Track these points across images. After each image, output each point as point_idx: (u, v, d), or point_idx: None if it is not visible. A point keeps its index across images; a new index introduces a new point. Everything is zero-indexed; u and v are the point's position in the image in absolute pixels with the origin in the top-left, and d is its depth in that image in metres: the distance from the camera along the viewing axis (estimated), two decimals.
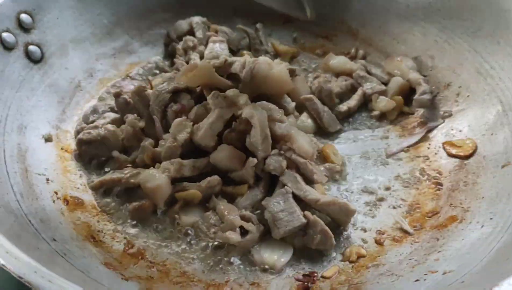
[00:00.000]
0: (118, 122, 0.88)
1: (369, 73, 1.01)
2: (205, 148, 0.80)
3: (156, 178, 0.76)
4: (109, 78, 1.00)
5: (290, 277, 0.72)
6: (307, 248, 0.75)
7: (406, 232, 0.78)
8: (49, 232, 0.69)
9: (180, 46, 1.02)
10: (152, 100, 0.86)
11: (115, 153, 0.84)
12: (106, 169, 0.85)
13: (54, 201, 0.77)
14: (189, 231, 0.77)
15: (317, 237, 0.73)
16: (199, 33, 1.03)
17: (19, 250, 0.56)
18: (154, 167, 0.79)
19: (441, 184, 0.84)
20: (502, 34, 0.89)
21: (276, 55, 1.09)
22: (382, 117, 0.97)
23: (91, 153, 0.85)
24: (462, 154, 0.86)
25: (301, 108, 0.94)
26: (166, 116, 0.85)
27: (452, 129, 0.91)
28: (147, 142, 0.83)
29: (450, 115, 0.93)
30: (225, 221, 0.74)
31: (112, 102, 0.92)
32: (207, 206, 0.79)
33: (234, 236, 0.72)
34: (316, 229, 0.73)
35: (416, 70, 0.99)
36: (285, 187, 0.77)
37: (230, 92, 0.80)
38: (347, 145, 0.93)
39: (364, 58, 1.07)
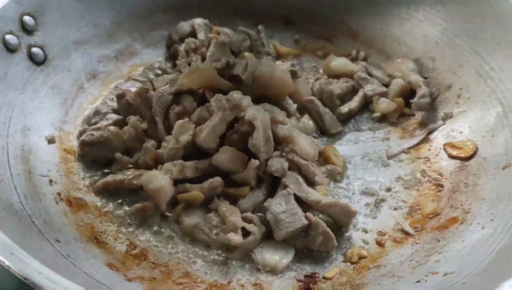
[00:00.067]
0: (121, 124, 0.88)
1: (370, 75, 1.01)
2: (207, 150, 0.80)
3: (159, 179, 0.77)
4: (111, 80, 1.00)
5: (291, 278, 0.73)
6: (309, 249, 0.75)
7: (407, 233, 0.78)
8: (53, 233, 0.69)
9: (182, 48, 1.02)
10: (155, 101, 0.86)
11: (118, 155, 0.84)
12: (109, 171, 0.85)
13: (57, 203, 0.77)
14: (191, 232, 0.77)
15: (319, 238, 0.73)
16: (201, 35, 1.04)
17: (24, 251, 0.56)
18: (156, 169, 0.80)
19: (442, 186, 0.85)
20: (503, 36, 0.89)
21: (277, 56, 1.09)
22: (383, 118, 0.97)
23: (93, 155, 0.86)
24: (462, 155, 0.87)
25: (302, 109, 0.95)
26: (168, 118, 0.85)
27: (452, 131, 0.91)
28: (150, 143, 0.83)
29: (451, 117, 0.93)
30: (227, 222, 0.75)
31: (114, 103, 0.93)
32: (209, 207, 0.79)
33: (236, 238, 0.73)
34: (318, 230, 0.73)
35: (417, 72, 0.99)
36: (287, 188, 0.77)
37: (233, 95, 0.80)
38: (348, 147, 0.93)
39: (365, 59, 1.07)
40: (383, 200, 0.84)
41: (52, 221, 0.72)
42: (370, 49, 1.08)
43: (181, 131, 0.81)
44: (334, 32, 1.11)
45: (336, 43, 1.11)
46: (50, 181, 0.80)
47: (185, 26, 1.06)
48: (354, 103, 0.97)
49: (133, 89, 0.92)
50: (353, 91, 1.00)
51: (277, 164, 0.79)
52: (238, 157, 0.79)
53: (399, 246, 0.77)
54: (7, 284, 0.75)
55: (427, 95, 0.94)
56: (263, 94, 0.88)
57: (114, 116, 0.90)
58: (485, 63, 0.91)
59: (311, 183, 0.80)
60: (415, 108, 0.95)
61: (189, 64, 0.97)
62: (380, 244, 0.78)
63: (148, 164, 0.82)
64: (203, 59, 0.97)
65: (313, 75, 1.05)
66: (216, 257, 0.75)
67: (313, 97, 0.95)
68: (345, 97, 0.99)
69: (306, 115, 0.95)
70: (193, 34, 1.05)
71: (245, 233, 0.74)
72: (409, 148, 0.92)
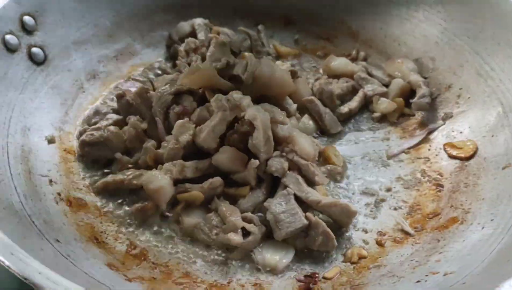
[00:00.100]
0: (121, 124, 0.88)
1: (370, 75, 1.01)
2: (207, 150, 0.80)
3: (159, 179, 0.77)
4: (111, 80, 1.00)
5: (291, 278, 0.73)
6: (309, 249, 0.75)
7: (407, 233, 0.79)
8: (53, 233, 0.69)
9: (182, 48, 1.02)
10: (155, 101, 0.86)
11: (118, 155, 0.84)
12: (109, 171, 0.85)
13: (57, 203, 0.77)
14: (191, 232, 0.77)
15: (319, 238, 0.73)
16: (201, 35, 1.04)
17: (24, 251, 0.56)
18: (156, 169, 0.80)
19: (442, 186, 0.85)
20: (503, 36, 0.89)
21: (277, 56, 1.09)
22: (383, 118, 0.97)
23: (93, 155, 0.86)
24: (462, 155, 0.87)
25: (302, 110, 0.95)
26: (168, 118, 0.85)
27: (452, 131, 0.91)
28: (150, 143, 0.83)
29: (451, 117, 0.93)
30: (227, 222, 0.75)
31: (114, 103, 0.93)
32: (209, 207, 0.79)
33: (236, 238, 0.73)
34: (318, 230, 0.73)
35: (417, 72, 0.99)
36: (287, 188, 0.77)
37: (233, 95, 0.80)
38: (348, 147, 0.93)
39: (365, 60, 1.07)
40: (383, 200, 0.84)
41: (52, 221, 0.72)
42: (370, 49, 1.08)
43: (181, 131, 0.81)
44: (334, 32, 1.11)
45: (336, 43, 1.11)
46: (50, 181, 0.80)
47: (185, 26, 1.06)
48: (354, 103, 0.97)
49: (133, 89, 0.92)
50: (353, 91, 1.00)
51: (277, 164, 0.79)
52: (238, 157, 0.79)
53: (399, 246, 0.77)
54: (7, 284, 0.75)
55: (427, 95, 0.94)
56: (263, 94, 0.88)
57: (114, 116, 0.90)
58: (485, 63, 0.91)
59: (311, 183, 0.80)
60: (415, 108, 0.95)
61: (189, 64, 0.97)
62: (380, 244, 0.78)
63: (148, 164, 0.82)
64: (203, 59, 0.97)
65: (313, 75, 1.05)
66: (216, 257, 0.75)
67: (313, 97, 0.95)
68: (345, 97, 0.99)
69: (306, 115, 0.95)
70: (193, 34, 1.05)
71: (245, 233, 0.74)
72: (409, 148, 0.92)
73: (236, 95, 0.81)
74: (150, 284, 0.69)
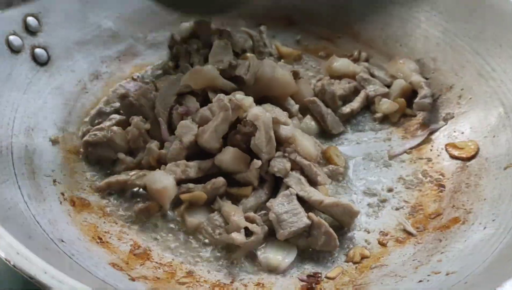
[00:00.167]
0: (124, 124, 0.88)
1: (372, 75, 1.01)
2: (210, 150, 0.81)
3: (162, 179, 0.77)
4: (114, 81, 1.01)
5: (294, 277, 0.73)
6: (311, 249, 0.76)
7: (409, 233, 0.79)
8: (57, 233, 0.70)
9: (184, 48, 1.02)
10: (158, 102, 0.86)
11: (121, 155, 0.85)
12: (112, 171, 0.86)
13: (61, 203, 0.78)
14: (194, 232, 0.78)
15: (322, 238, 0.73)
16: (203, 36, 1.04)
17: (29, 250, 0.57)
18: (159, 169, 0.80)
19: (443, 186, 0.85)
20: (504, 37, 0.89)
21: (279, 57, 1.09)
22: (385, 119, 0.98)
23: (97, 155, 0.86)
24: (464, 156, 0.87)
25: (304, 110, 0.95)
26: (171, 118, 0.86)
27: (454, 131, 0.92)
28: (153, 144, 0.84)
29: (452, 117, 0.93)
30: (230, 222, 0.75)
31: (117, 104, 0.93)
32: (212, 207, 0.79)
33: (239, 237, 0.73)
34: (321, 230, 0.74)
35: (419, 73, 0.99)
36: (289, 188, 0.78)
37: (236, 95, 0.80)
38: (350, 147, 0.93)
39: (367, 60, 1.07)
40: (385, 200, 0.84)
41: (56, 221, 0.73)
42: (372, 50, 1.08)
43: (184, 132, 0.81)
44: (336, 33, 1.11)
45: (338, 43, 1.11)
46: (54, 181, 0.80)
47: (187, 27, 1.07)
48: (356, 103, 0.98)
49: (136, 90, 0.93)
50: (355, 91, 1.00)
51: (279, 164, 0.79)
52: (241, 157, 0.79)
53: (401, 246, 0.77)
54: (11, 284, 0.76)
55: (428, 96, 0.95)
56: (265, 95, 0.88)
57: (117, 117, 0.90)
58: (486, 64, 0.91)
59: (313, 183, 0.80)
60: (417, 108, 0.95)
61: (191, 65, 0.97)
62: (382, 244, 0.78)
63: (151, 165, 0.83)
64: (206, 60, 0.97)
65: (315, 76, 1.05)
66: (219, 256, 0.75)
67: (315, 98, 0.95)
68: (347, 98, 0.99)
69: (308, 116, 0.95)
70: (195, 35, 1.05)
71: (248, 233, 0.74)
72: (410, 149, 0.92)
73: (238, 95, 0.81)
74: (153, 283, 0.69)
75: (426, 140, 0.93)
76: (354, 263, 0.75)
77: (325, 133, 0.95)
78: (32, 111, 0.86)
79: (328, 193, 0.83)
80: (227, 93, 0.84)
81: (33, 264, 0.55)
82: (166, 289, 0.69)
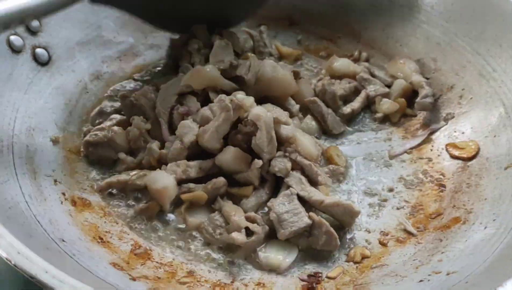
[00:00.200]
0: (124, 124, 0.88)
1: (372, 75, 1.02)
2: (211, 150, 0.81)
3: (163, 179, 0.77)
4: (115, 81, 1.01)
5: (295, 277, 0.73)
6: (312, 248, 0.76)
7: (409, 233, 0.79)
8: (58, 233, 0.70)
9: (185, 49, 1.02)
10: (158, 102, 0.86)
11: (122, 155, 0.85)
12: (113, 171, 0.86)
13: (62, 202, 0.78)
14: (195, 232, 0.78)
15: (322, 238, 0.74)
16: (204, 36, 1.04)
17: (30, 250, 0.57)
18: (160, 169, 0.80)
19: (444, 186, 0.85)
20: (504, 37, 0.89)
21: (280, 57, 1.09)
22: (385, 119, 0.98)
23: (97, 155, 0.86)
24: (465, 156, 0.87)
25: (305, 110, 0.95)
26: (172, 118, 0.86)
27: (455, 131, 0.92)
28: (154, 144, 0.84)
29: (453, 117, 0.93)
30: (231, 222, 0.75)
31: (118, 104, 0.93)
32: (212, 207, 0.79)
33: (239, 237, 0.73)
34: (321, 230, 0.74)
35: (419, 73, 0.99)
36: (290, 188, 0.78)
37: (237, 95, 0.80)
38: (350, 147, 0.93)
39: (367, 60, 1.07)
40: (385, 200, 0.84)
41: (57, 221, 0.73)
42: (372, 50, 1.08)
43: (185, 132, 0.81)
44: (337, 33, 1.11)
45: (339, 44, 1.11)
46: (55, 181, 0.81)
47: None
48: (356, 103, 0.98)
49: (137, 90, 0.93)
50: (356, 91, 1.00)
51: (280, 164, 0.80)
52: (242, 157, 0.79)
53: (402, 245, 0.77)
54: (11, 285, 0.76)
55: (429, 96, 0.95)
56: (266, 95, 0.88)
57: (118, 117, 0.90)
58: (487, 64, 0.91)
59: (314, 183, 0.80)
60: (418, 108, 0.95)
61: (192, 65, 0.97)
62: (383, 244, 0.78)
63: (152, 164, 0.83)
64: (206, 59, 0.97)
65: (315, 76, 1.05)
66: (219, 256, 0.75)
67: (315, 98, 0.95)
68: (347, 98, 0.99)
69: (308, 116, 0.95)
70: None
71: (249, 232, 0.75)
72: (411, 149, 0.92)
73: (239, 95, 0.82)
74: (154, 283, 0.69)
75: (427, 140, 0.93)
76: (355, 263, 0.75)
77: (325, 133, 0.95)
78: (33, 111, 0.86)
79: (328, 193, 0.83)
80: (228, 93, 0.84)
81: (34, 264, 0.55)
82: (166, 289, 0.69)
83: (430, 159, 0.90)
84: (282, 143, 0.81)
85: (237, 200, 0.80)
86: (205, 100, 0.86)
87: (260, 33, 1.09)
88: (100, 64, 1.01)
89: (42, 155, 0.82)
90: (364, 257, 0.76)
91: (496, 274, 0.62)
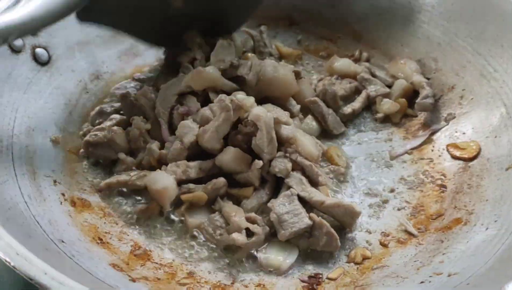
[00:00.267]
0: (124, 124, 0.88)
1: (373, 75, 1.01)
2: (211, 150, 0.80)
3: (163, 180, 0.77)
4: (115, 81, 1.01)
5: (295, 278, 0.73)
6: (313, 249, 0.76)
7: (410, 234, 0.79)
8: (57, 233, 0.69)
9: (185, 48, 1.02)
10: (158, 102, 0.86)
11: (121, 155, 0.85)
12: (113, 171, 0.85)
13: (61, 203, 0.78)
14: (195, 233, 0.77)
15: (323, 239, 0.73)
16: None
17: (29, 251, 0.56)
18: (160, 169, 0.80)
19: (445, 187, 0.85)
20: (505, 37, 0.89)
21: (280, 57, 1.09)
22: (386, 119, 0.97)
23: (97, 155, 0.86)
24: (466, 156, 0.87)
25: (305, 110, 0.95)
26: (172, 118, 0.86)
27: (456, 132, 0.91)
28: (153, 144, 0.83)
29: (454, 118, 0.93)
30: (231, 223, 0.75)
31: (118, 104, 0.93)
32: (212, 208, 0.79)
33: (240, 238, 0.73)
34: (322, 231, 0.73)
35: (420, 73, 0.99)
36: (291, 189, 0.77)
37: (237, 95, 0.80)
38: (351, 147, 0.93)
39: (368, 60, 1.07)
40: (386, 201, 0.84)
41: (56, 221, 0.72)
42: (373, 50, 1.08)
43: (185, 132, 0.81)
44: (337, 33, 1.11)
45: (339, 44, 1.11)
46: (54, 181, 0.80)
47: None
48: (357, 104, 0.98)
49: (137, 90, 0.92)
50: (356, 92, 1.00)
51: (280, 164, 0.79)
52: (242, 157, 0.79)
53: (403, 246, 0.77)
54: (11, 286, 0.75)
55: (430, 96, 0.94)
56: (267, 95, 0.88)
57: (118, 117, 0.90)
58: (488, 64, 0.91)
59: (314, 183, 0.80)
60: (419, 108, 0.95)
61: (192, 65, 0.97)
62: (383, 244, 0.78)
63: (151, 165, 0.83)
64: (207, 59, 0.97)
65: (316, 76, 1.05)
66: (219, 257, 0.75)
67: (316, 98, 0.95)
68: (348, 98, 0.98)
69: (309, 116, 0.95)
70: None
71: (249, 233, 0.74)
72: (412, 149, 0.92)
73: (239, 95, 0.81)
74: (154, 284, 0.69)
75: (428, 141, 0.92)
76: (356, 264, 0.75)
77: (326, 133, 0.95)
78: (32, 111, 0.85)
79: (329, 193, 0.82)
80: (228, 93, 0.84)
81: (33, 265, 0.55)
82: None
83: (431, 160, 0.90)
84: (283, 143, 0.81)
85: (237, 200, 0.80)
86: (205, 100, 0.86)
87: (260, 33, 1.09)
88: (100, 64, 1.01)
89: (42, 155, 0.82)
90: (364, 258, 0.75)
91: (497, 276, 0.62)
